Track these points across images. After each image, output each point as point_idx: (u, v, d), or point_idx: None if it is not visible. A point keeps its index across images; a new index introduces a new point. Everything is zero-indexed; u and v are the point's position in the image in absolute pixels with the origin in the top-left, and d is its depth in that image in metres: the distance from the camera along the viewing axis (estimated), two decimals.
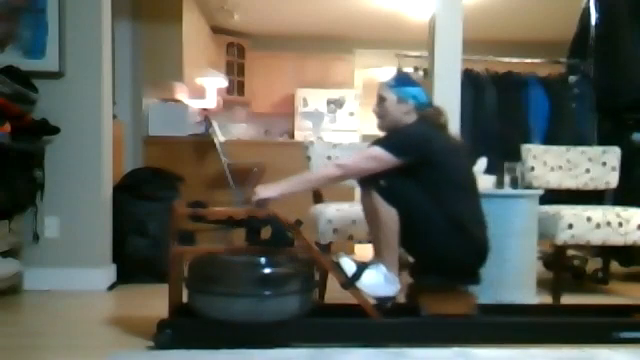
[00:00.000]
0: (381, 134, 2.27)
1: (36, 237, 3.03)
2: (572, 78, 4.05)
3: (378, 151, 2.08)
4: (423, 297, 2.16)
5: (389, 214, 2.06)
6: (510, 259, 2.66)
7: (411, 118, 2.21)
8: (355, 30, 7.15)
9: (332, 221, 2.61)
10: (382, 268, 2.10)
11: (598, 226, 2.82)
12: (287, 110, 7.35)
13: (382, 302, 2.10)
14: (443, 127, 2.24)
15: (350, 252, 4.39)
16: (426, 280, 2.18)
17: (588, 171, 3.38)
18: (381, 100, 2.26)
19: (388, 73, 8.06)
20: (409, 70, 4.16)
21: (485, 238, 2.15)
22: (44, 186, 3.03)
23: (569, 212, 2.84)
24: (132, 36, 4.66)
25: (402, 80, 2.28)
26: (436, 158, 2.09)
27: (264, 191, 2.10)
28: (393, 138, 2.15)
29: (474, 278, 2.16)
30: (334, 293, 2.31)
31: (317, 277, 2.15)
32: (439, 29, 3.31)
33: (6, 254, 2.79)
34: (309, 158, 3.00)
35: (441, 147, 2.13)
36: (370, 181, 2.09)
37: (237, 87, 7.36)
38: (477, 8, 5.99)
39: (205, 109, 5.53)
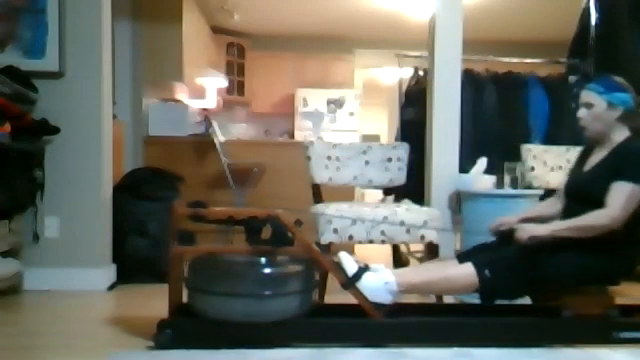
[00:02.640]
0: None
1: (36, 237, 3.03)
2: (572, 78, 4.04)
3: (636, 189, 2.04)
4: (564, 298, 2.15)
5: (466, 288, 2.11)
6: None
7: (620, 127, 2.18)
8: (355, 30, 7.15)
9: (332, 221, 2.61)
10: (385, 275, 2.09)
11: None
12: (287, 110, 7.34)
13: (376, 307, 2.09)
14: None
15: (350, 252, 4.39)
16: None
17: None
18: (588, 106, 2.21)
19: (388, 73, 8.08)
20: (409, 70, 4.17)
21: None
22: (44, 186, 3.03)
23: None
24: (132, 36, 4.66)
25: (611, 86, 2.21)
26: None
27: (535, 229, 2.08)
28: (638, 170, 2.08)
29: (614, 281, 2.20)
30: (334, 293, 2.31)
31: (317, 277, 2.15)
32: (439, 29, 3.31)
33: (6, 254, 2.79)
34: (309, 158, 3.00)
35: None
36: (477, 267, 2.08)
37: (237, 87, 7.36)
38: (477, 8, 5.98)
39: (205, 109, 5.53)
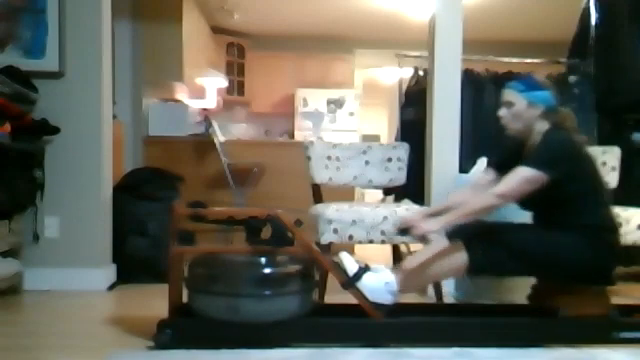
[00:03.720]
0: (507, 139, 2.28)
1: (36, 237, 3.03)
2: (572, 78, 4.04)
3: (531, 172, 2.05)
4: (560, 298, 2.16)
5: (459, 270, 2.10)
6: None
7: (542, 124, 2.19)
8: (355, 30, 7.15)
9: (332, 221, 2.61)
10: (385, 275, 2.08)
11: None
12: (287, 110, 7.35)
13: (377, 308, 2.09)
14: (574, 131, 2.21)
15: (350, 252, 4.39)
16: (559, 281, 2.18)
17: None
18: (509, 105, 2.23)
19: (388, 73, 8.08)
20: (409, 70, 4.17)
21: (618, 241, 2.16)
22: (44, 186, 3.03)
23: None
24: (132, 36, 4.66)
25: (531, 84, 2.23)
26: (582, 168, 2.11)
27: (427, 224, 2.08)
28: (542, 156, 2.11)
29: (608, 280, 2.16)
30: (334, 293, 2.31)
31: (317, 277, 2.15)
32: (439, 29, 3.31)
33: (6, 254, 2.79)
34: (309, 158, 3.00)
35: (584, 155, 2.14)
36: (467, 245, 2.09)
37: (237, 87, 7.36)
38: (477, 8, 5.98)
39: (205, 109, 5.53)
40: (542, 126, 2.19)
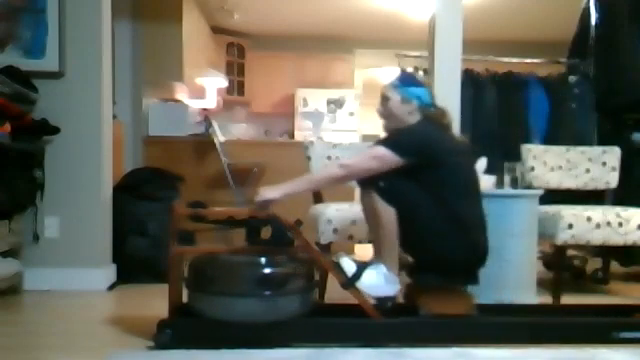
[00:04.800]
0: (385, 134, 2.26)
1: (36, 237, 3.03)
2: (572, 78, 4.05)
3: (382, 151, 2.07)
4: (422, 297, 2.16)
5: (388, 215, 2.05)
6: (510, 259, 2.66)
7: (415, 118, 2.20)
8: (355, 30, 7.15)
9: (332, 221, 2.61)
10: (382, 268, 2.10)
11: (598, 226, 2.82)
12: (287, 110, 7.35)
13: (382, 302, 2.10)
14: (447, 127, 2.24)
15: (350, 252, 4.39)
16: (425, 280, 2.17)
17: (588, 171, 3.38)
18: (385, 100, 2.24)
19: (388, 73, 8.08)
20: (409, 70, 4.17)
21: (485, 239, 2.15)
22: (44, 186, 3.03)
23: (569, 212, 2.84)
24: (132, 36, 4.66)
25: (406, 80, 2.26)
26: (439, 159, 2.09)
27: (267, 192, 2.09)
28: (397, 138, 2.13)
29: (473, 279, 2.16)
30: (334, 293, 2.31)
31: (317, 277, 2.15)
32: (439, 29, 3.31)
33: (6, 254, 2.79)
34: (309, 158, 3.00)
35: (444, 148, 2.12)
36: (370, 182, 2.08)
37: (237, 87, 7.36)
38: (477, 8, 5.98)
39: (205, 109, 5.52)
40: (412, 121, 2.20)
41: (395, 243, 2.10)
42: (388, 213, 2.05)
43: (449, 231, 2.06)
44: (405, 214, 2.06)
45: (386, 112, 2.25)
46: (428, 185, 2.07)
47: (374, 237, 2.15)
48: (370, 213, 2.11)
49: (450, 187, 2.09)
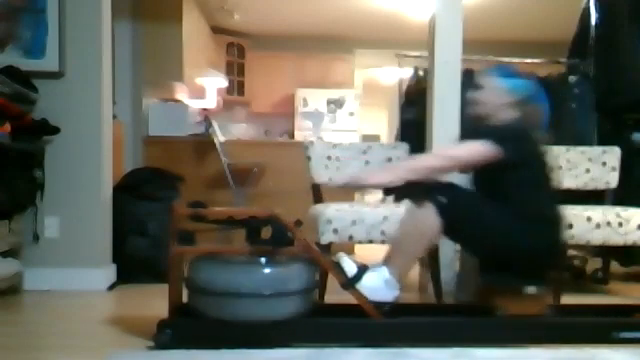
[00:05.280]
0: (472, 123, 2.26)
1: (36, 237, 3.03)
2: (572, 78, 4.04)
3: (486, 145, 2.03)
4: (499, 298, 2.15)
5: (431, 226, 2.03)
6: None
7: (509, 111, 2.18)
8: (355, 30, 7.15)
9: (332, 221, 2.61)
10: (384, 272, 2.08)
11: (598, 226, 2.82)
12: (287, 110, 7.35)
13: (379, 306, 2.08)
14: (537, 128, 2.21)
15: (350, 252, 4.39)
16: (501, 281, 2.16)
17: (588, 171, 3.37)
18: (479, 87, 2.22)
19: (388, 73, 8.08)
20: (409, 70, 4.17)
21: (559, 239, 2.15)
22: (44, 186, 3.03)
23: (569, 212, 2.83)
24: (132, 36, 4.66)
25: (505, 71, 2.23)
26: (533, 159, 2.10)
27: (374, 176, 2.06)
28: (499, 133, 2.10)
29: (547, 279, 2.16)
30: (334, 293, 2.31)
31: (317, 277, 2.15)
32: (439, 29, 3.31)
33: (6, 254, 2.79)
34: (309, 158, 3.00)
35: (539, 148, 2.14)
36: (428, 197, 2.06)
37: (237, 87, 7.37)
38: (477, 8, 5.99)
39: (205, 109, 5.53)
40: (506, 115, 2.19)
41: (417, 255, 2.11)
42: (431, 225, 2.03)
43: (531, 231, 2.04)
44: (474, 224, 2.05)
45: (478, 99, 2.22)
46: (516, 185, 2.06)
47: (396, 242, 2.14)
48: (408, 223, 2.10)
49: (537, 187, 2.10)
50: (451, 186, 2.10)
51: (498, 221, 2.06)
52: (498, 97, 2.19)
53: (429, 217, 2.03)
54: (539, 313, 2.14)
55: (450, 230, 2.08)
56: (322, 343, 2.00)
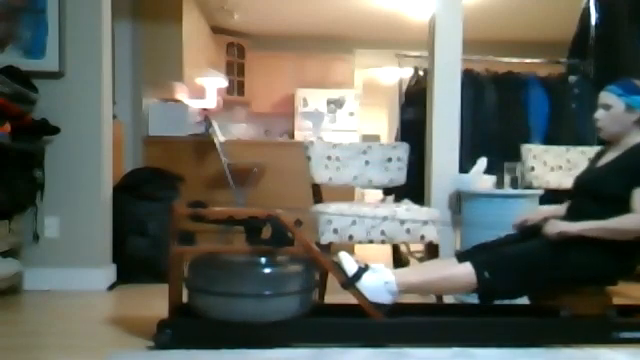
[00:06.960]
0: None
1: (36, 237, 3.03)
2: (572, 78, 4.04)
3: None
4: (563, 298, 2.15)
5: (466, 287, 2.11)
6: None
7: (638, 129, 2.17)
8: (355, 30, 7.15)
9: (332, 221, 2.61)
10: (384, 275, 2.08)
11: None
12: (287, 110, 7.35)
13: (377, 308, 2.08)
14: None
15: (350, 252, 4.39)
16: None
17: None
18: (606, 107, 2.21)
19: (388, 73, 8.08)
20: (409, 70, 4.17)
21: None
22: (44, 186, 3.03)
23: None
24: (132, 36, 4.66)
25: (630, 88, 2.20)
26: None
27: (565, 226, 2.08)
28: None
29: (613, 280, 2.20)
30: (334, 293, 2.31)
31: (317, 277, 2.15)
32: (439, 29, 3.31)
33: (6, 254, 2.79)
34: (309, 158, 3.00)
35: None
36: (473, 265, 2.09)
37: (237, 87, 7.36)
38: (477, 8, 5.98)
39: (205, 109, 5.53)
40: (637, 133, 2.18)
41: (431, 292, 2.26)
42: (462, 286, 2.12)
43: (611, 253, 2.08)
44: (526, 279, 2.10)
45: (608, 119, 2.21)
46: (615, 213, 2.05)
47: (421, 272, 2.19)
48: (447, 271, 2.14)
49: None
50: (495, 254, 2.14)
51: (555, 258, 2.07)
52: (625, 115, 2.18)
53: (470, 281, 2.08)
54: (601, 311, 2.15)
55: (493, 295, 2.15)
56: (322, 343, 2.00)
